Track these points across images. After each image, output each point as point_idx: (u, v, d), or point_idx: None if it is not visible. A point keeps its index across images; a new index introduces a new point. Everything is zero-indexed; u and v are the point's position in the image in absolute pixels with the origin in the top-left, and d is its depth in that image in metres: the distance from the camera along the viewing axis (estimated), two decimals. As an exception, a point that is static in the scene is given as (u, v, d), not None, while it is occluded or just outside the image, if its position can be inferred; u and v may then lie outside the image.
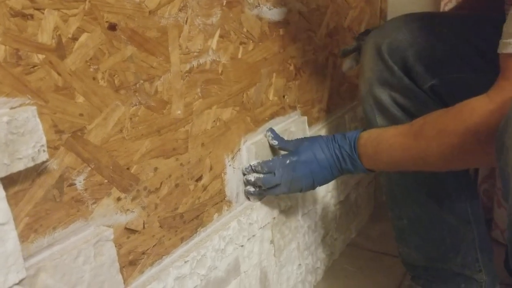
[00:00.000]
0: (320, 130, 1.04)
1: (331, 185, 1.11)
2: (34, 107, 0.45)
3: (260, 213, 0.84)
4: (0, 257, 0.43)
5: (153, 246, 0.64)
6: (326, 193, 1.09)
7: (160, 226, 0.65)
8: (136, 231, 0.61)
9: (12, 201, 0.46)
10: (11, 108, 0.45)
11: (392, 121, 0.82)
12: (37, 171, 0.48)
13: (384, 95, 0.82)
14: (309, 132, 0.98)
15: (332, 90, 1.10)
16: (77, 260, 0.51)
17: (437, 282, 0.90)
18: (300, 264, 1.02)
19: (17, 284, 0.45)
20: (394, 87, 0.81)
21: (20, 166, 0.44)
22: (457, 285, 0.89)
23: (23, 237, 0.47)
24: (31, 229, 0.48)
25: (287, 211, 0.93)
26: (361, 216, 1.34)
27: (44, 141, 0.46)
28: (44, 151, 0.46)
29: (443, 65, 0.78)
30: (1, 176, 0.42)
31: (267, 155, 0.84)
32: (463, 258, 0.87)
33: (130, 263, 0.61)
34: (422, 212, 0.87)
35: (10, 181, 0.45)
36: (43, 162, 0.48)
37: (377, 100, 0.83)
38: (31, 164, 0.45)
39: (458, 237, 0.87)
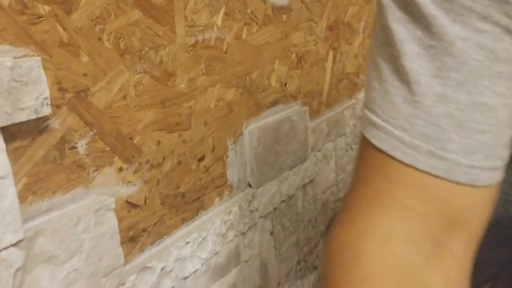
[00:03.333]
0: (320, 123, 1.03)
1: (330, 181, 1.10)
2: (39, 58, 0.43)
3: (261, 201, 0.82)
4: (-3, 214, 0.41)
5: (154, 224, 0.62)
6: (325, 189, 1.08)
7: (162, 204, 0.62)
8: (138, 206, 0.59)
9: (11, 157, 0.43)
10: (14, 57, 0.42)
11: None
12: (38, 128, 0.45)
13: None
14: (310, 125, 0.97)
15: (332, 85, 1.09)
16: (76, 227, 0.48)
17: None
18: (299, 260, 0.99)
19: (14, 245, 0.42)
20: None
21: (22, 117, 0.41)
22: None
23: (21, 198, 0.45)
24: (29, 190, 0.46)
25: (287, 203, 0.91)
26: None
27: (47, 93, 0.43)
28: (47, 104, 0.44)
29: None
30: (2, 125, 0.40)
31: (270, 139, 0.82)
32: None
33: (130, 240, 0.58)
34: None
35: (9, 135, 0.42)
36: (45, 119, 0.46)
37: None
38: (33, 116, 0.42)
39: None
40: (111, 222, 0.52)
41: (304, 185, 0.97)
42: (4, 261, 0.42)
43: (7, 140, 0.42)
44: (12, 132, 0.43)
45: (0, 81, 0.39)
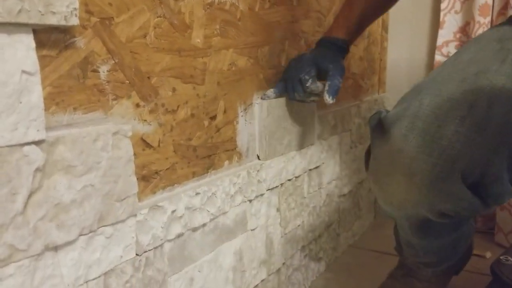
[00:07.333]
0: (327, 114, 1.05)
1: (335, 174, 1.11)
2: (71, -30, 0.46)
3: (268, 173, 0.83)
4: (24, 107, 0.43)
5: (166, 169, 0.63)
6: (330, 180, 1.09)
7: (174, 151, 0.64)
8: (152, 146, 0.60)
9: (39, 63, 0.45)
10: (48, -31, 0.45)
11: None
12: (65, 43, 0.48)
13: None
14: (317, 113, 0.99)
15: (338, 81, 1.12)
16: (95, 144, 0.50)
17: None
18: (304, 246, 0.99)
19: (35, 143, 0.44)
20: None
21: (53, 20, 0.44)
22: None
23: (45, 105, 0.46)
24: (53, 100, 0.48)
25: (294, 183, 0.92)
26: (362, 220, 1.32)
27: (77, 5, 0.46)
28: (76, 16, 0.46)
29: None
30: (34, 21, 0.42)
31: (279, 114, 0.84)
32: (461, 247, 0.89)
33: (143, 178, 0.59)
34: (439, 242, 0.82)
35: (39, 42, 0.45)
36: (72, 36, 0.48)
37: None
38: (63, 22, 0.45)
39: (467, 238, 0.89)
40: (127, 148, 0.54)
41: (310, 170, 0.98)
42: (26, 156, 0.43)
43: (37, 46, 0.44)
44: (42, 39, 0.46)
45: (36, -19, 0.42)
